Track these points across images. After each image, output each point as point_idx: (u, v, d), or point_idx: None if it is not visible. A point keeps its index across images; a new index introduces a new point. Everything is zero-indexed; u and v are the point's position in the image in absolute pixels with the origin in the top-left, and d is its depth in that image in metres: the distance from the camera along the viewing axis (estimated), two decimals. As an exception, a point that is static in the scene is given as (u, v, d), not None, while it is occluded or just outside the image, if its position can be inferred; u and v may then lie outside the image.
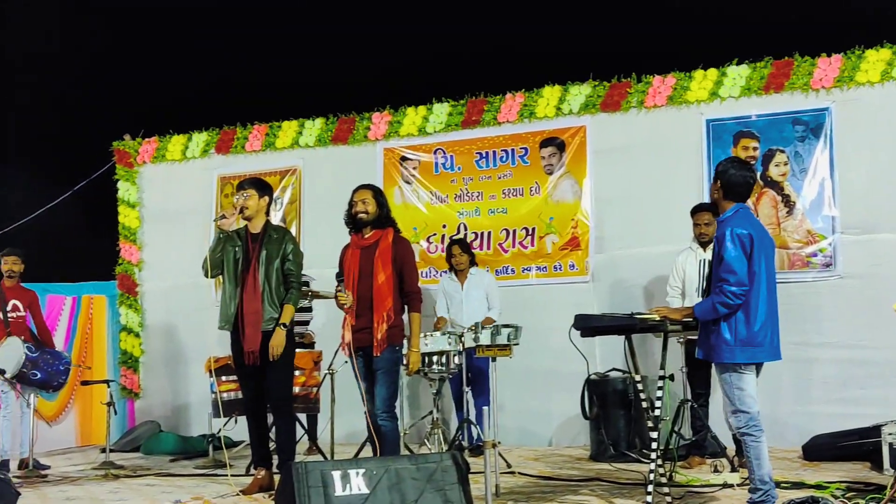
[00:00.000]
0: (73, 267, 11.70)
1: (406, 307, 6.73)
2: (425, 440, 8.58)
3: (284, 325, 6.87)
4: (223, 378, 8.74)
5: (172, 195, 11.42)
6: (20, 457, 8.68)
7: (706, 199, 8.62)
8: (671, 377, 6.49)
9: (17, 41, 13.64)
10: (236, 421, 9.01)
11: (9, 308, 8.80)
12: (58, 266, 11.42)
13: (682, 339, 7.45)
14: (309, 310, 9.41)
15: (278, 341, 6.82)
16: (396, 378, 6.65)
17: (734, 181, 5.42)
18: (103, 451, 9.06)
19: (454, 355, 7.89)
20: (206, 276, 7.05)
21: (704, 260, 7.69)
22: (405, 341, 6.86)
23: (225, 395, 8.80)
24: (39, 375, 8.37)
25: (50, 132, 13.42)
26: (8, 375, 8.25)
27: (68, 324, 10.97)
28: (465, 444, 8.14)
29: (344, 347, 6.74)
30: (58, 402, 10.63)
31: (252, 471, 7.45)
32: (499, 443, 6.02)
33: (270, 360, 6.82)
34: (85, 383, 10.36)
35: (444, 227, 10.07)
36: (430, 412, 8.41)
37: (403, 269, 6.65)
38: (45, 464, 8.76)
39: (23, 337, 8.52)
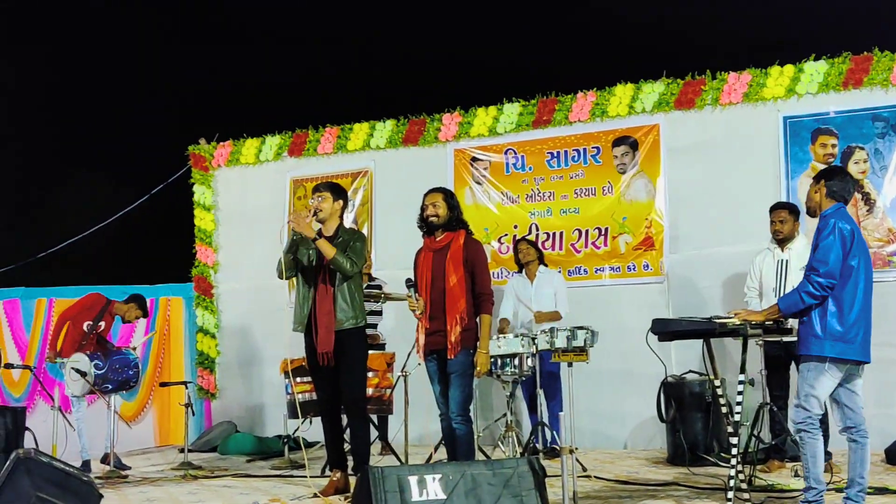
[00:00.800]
0: (150, 269, 11.91)
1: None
2: (499, 443, 8.55)
3: (319, 231, 6.92)
4: (298, 379, 8.79)
5: (246, 198, 11.56)
6: (101, 455, 8.84)
7: (784, 198, 8.49)
8: (751, 382, 6.38)
9: (96, 46, 13.92)
10: (311, 422, 9.07)
11: (103, 327, 9.00)
12: (136, 268, 11.63)
13: (760, 342, 7.32)
14: (379, 313, 9.45)
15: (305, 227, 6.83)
16: (471, 381, 6.63)
17: (841, 186, 5.35)
18: (181, 451, 9.20)
19: (527, 357, 7.85)
20: (280, 277, 7.11)
21: (782, 260, 7.57)
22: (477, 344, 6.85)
23: (300, 396, 8.85)
24: (112, 387, 8.53)
25: (127, 138, 13.68)
26: (79, 393, 8.40)
27: (146, 325, 11.16)
28: (538, 446, 8.09)
29: (419, 351, 6.75)
30: (136, 403, 10.82)
31: (327, 472, 7.49)
32: (576, 448, 5.96)
33: (353, 365, 6.85)
34: (163, 384, 10.54)
35: (515, 227, 10.04)
36: (504, 415, 8.38)
37: (475, 270, 6.64)
38: (126, 464, 8.91)
39: (88, 351, 8.64)
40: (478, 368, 6.61)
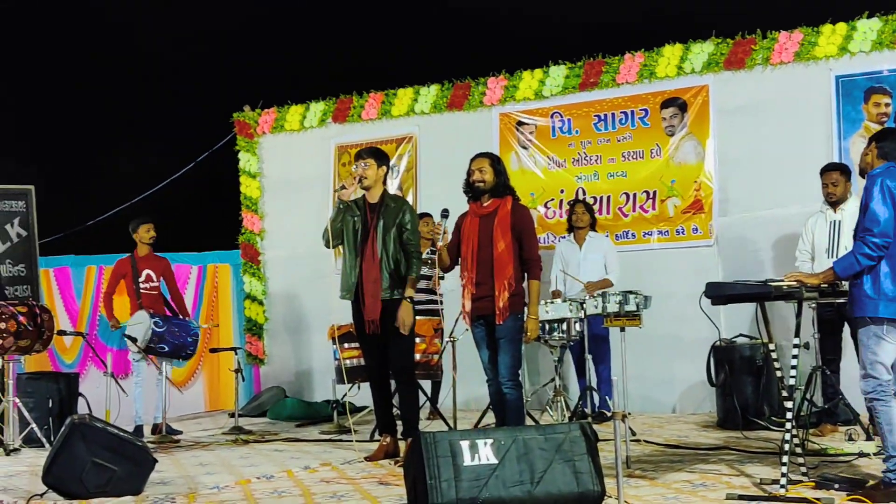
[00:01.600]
0: (197, 237, 11.99)
1: (525, 275, 6.67)
2: (547, 407, 8.56)
3: (410, 298, 6.88)
4: (346, 345, 8.82)
5: (291, 165, 11.58)
6: (154, 422, 8.96)
7: (836, 159, 8.35)
8: (806, 345, 6.30)
9: (140, 17, 13.97)
10: (359, 387, 9.11)
11: (142, 279, 9.03)
12: (183, 236, 11.72)
13: (813, 305, 7.23)
14: (429, 278, 9.44)
15: (406, 314, 6.83)
16: (520, 346, 6.62)
17: (893, 146, 5.24)
18: (232, 416, 9.29)
19: (575, 322, 7.83)
20: (327, 246, 7.11)
21: (835, 221, 7.47)
22: (526, 309, 6.82)
23: (348, 361, 8.89)
24: (167, 349, 8.61)
25: (173, 106, 13.73)
26: (139, 345, 8.50)
27: (195, 292, 11.27)
28: (587, 411, 8.08)
29: (465, 316, 6.73)
30: (187, 369, 10.94)
31: (377, 437, 7.53)
32: (629, 414, 5.94)
33: (401, 332, 6.85)
34: (213, 350, 10.63)
35: (561, 192, 9.96)
36: (552, 379, 8.37)
37: (522, 236, 6.60)
38: (178, 429, 9.02)
39: (152, 310, 8.74)
40: (528, 335, 6.59)
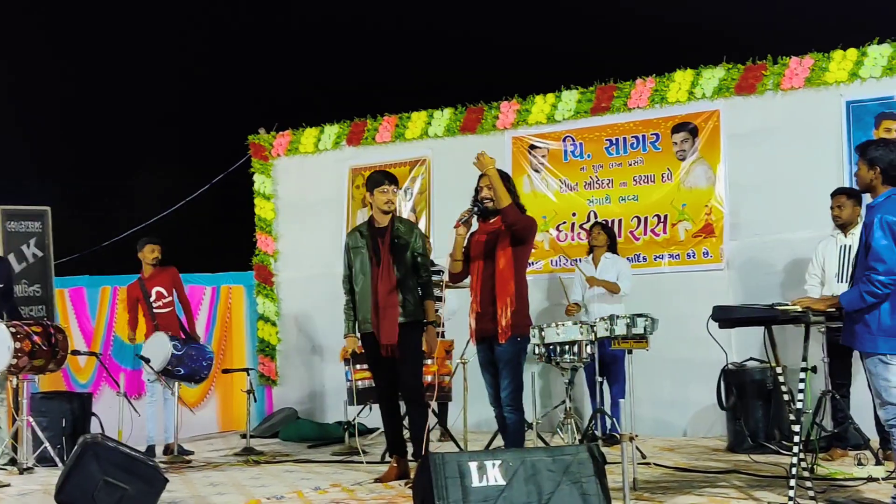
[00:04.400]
0: (211, 258, 12.07)
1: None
2: (558, 430, 8.56)
3: (434, 323, 6.93)
4: (357, 367, 8.87)
5: (306, 187, 11.66)
6: (165, 442, 9.00)
7: (847, 184, 8.35)
8: (814, 369, 6.30)
9: (158, 36, 14.12)
10: (370, 409, 9.14)
11: (153, 298, 9.08)
12: (197, 257, 11.80)
13: (822, 329, 7.23)
14: (439, 299, 9.47)
15: (432, 338, 6.89)
16: (520, 370, 6.59)
17: (882, 160, 5.24)
18: (244, 436, 9.33)
19: (586, 345, 7.84)
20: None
21: (845, 246, 7.48)
22: (531, 331, 6.84)
23: (360, 383, 8.93)
24: (183, 372, 8.66)
25: (188, 128, 13.85)
26: (155, 369, 8.55)
27: (208, 313, 11.33)
28: (598, 433, 8.09)
29: (472, 336, 6.75)
30: (200, 389, 10.97)
31: (387, 458, 7.56)
32: (636, 436, 5.96)
33: (413, 354, 6.89)
34: (225, 371, 10.69)
35: (573, 215, 10.00)
36: (563, 401, 8.38)
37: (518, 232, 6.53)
38: (189, 449, 9.06)
39: (170, 332, 8.79)
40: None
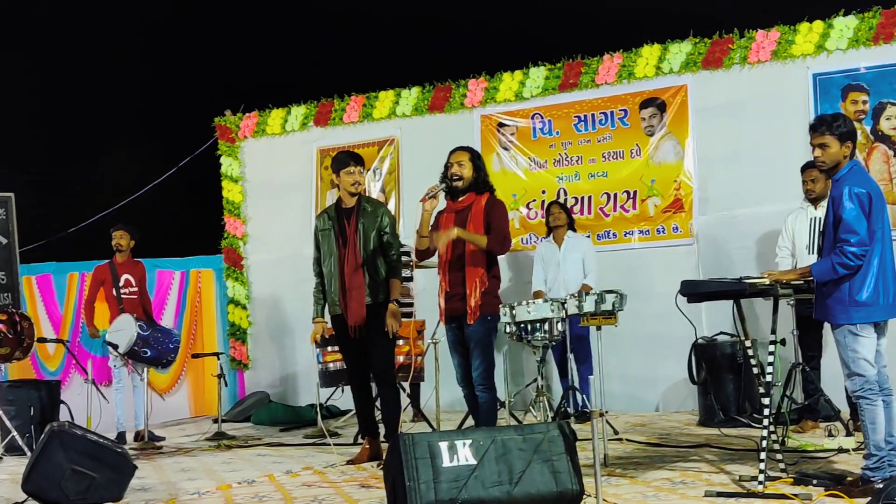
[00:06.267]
0: (180, 242, 11.98)
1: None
2: (530, 408, 8.57)
3: (397, 300, 6.88)
4: (329, 348, 8.84)
5: (274, 168, 11.57)
6: (135, 429, 8.94)
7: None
8: (783, 342, 6.32)
9: (121, 19, 13.94)
10: (343, 390, 9.11)
11: (121, 283, 9.03)
12: (166, 242, 11.70)
13: (791, 302, 7.24)
14: (409, 279, 9.45)
15: (395, 316, 6.83)
16: (491, 349, 6.54)
17: (853, 138, 5.22)
18: (215, 421, 9.27)
19: (557, 322, 7.82)
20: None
21: (816, 218, 7.49)
22: (501, 308, 6.80)
23: (331, 365, 8.90)
24: (150, 353, 8.58)
25: (154, 111, 13.70)
26: (120, 352, 8.48)
27: (178, 297, 11.26)
28: (570, 410, 8.09)
29: (441, 316, 6.70)
30: (170, 375, 10.92)
31: (360, 440, 7.53)
32: (606, 412, 5.95)
33: (383, 335, 6.85)
34: (196, 356, 10.61)
35: (543, 192, 9.98)
36: (535, 380, 8.38)
37: (492, 222, 6.46)
38: (160, 435, 9.00)
39: (135, 315, 8.73)
40: (437, 237, 6.49)
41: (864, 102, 8.57)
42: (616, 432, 7.57)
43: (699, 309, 8.27)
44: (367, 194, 7.18)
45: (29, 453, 7.40)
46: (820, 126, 5.25)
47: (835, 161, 5.24)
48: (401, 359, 8.55)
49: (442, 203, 6.75)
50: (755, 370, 5.70)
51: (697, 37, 9.28)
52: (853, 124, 5.30)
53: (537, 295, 8.78)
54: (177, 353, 8.88)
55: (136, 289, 9.12)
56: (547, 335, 7.77)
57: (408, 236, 10.10)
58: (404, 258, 8.63)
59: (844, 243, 5.04)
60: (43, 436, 5.85)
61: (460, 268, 6.47)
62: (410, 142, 10.73)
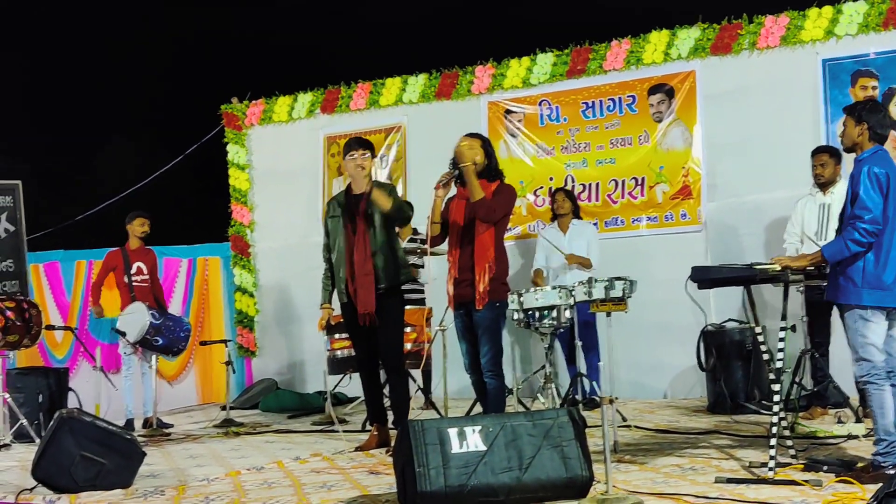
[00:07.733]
0: (187, 230, 11.97)
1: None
2: (538, 394, 8.55)
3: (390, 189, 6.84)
4: (336, 336, 8.83)
5: (280, 156, 11.55)
6: (144, 416, 8.95)
7: (824, 142, 8.34)
8: (793, 328, 6.30)
9: (128, 7, 13.92)
10: (350, 378, 9.10)
11: (133, 271, 9.03)
12: (173, 229, 11.70)
13: (801, 288, 7.23)
14: (420, 266, 9.43)
15: (379, 196, 6.69)
16: (499, 336, 6.54)
17: (882, 124, 5.23)
18: (223, 408, 9.28)
19: (564, 309, 7.79)
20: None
21: (824, 204, 7.47)
22: (510, 297, 6.78)
23: (339, 352, 8.90)
24: (161, 342, 8.60)
25: (160, 99, 13.69)
26: (132, 340, 8.49)
27: (185, 285, 11.26)
28: (578, 397, 8.08)
29: (449, 302, 6.69)
30: (178, 362, 10.93)
31: (368, 427, 7.53)
32: (616, 398, 5.93)
33: (388, 321, 6.82)
34: (204, 343, 10.61)
35: (550, 179, 9.95)
36: (543, 366, 8.36)
37: (496, 197, 6.45)
38: (168, 422, 9.01)
39: (147, 303, 8.73)
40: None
41: (874, 88, 8.53)
42: (625, 419, 7.55)
43: (707, 296, 8.26)
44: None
45: (38, 440, 7.41)
46: (846, 109, 5.42)
47: (850, 140, 5.30)
48: (408, 346, 8.53)
49: (453, 190, 6.75)
50: (765, 357, 5.68)
51: (706, 22, 9.24)
52: (882, 114, 5.29)
53: (537, 274, 8.79)
54: (188, 341, 8.90)
55: (147, 277, 9.11)
56: (555, 322, 7.76)
57: (416, 223, 10.08)
58: (414, 245, 8.63)
59: (858, 220, 5.04)
60: (52, 422, 5.86)
61: (470, 254, 6.46)
62: (417, 129, 10.70)
